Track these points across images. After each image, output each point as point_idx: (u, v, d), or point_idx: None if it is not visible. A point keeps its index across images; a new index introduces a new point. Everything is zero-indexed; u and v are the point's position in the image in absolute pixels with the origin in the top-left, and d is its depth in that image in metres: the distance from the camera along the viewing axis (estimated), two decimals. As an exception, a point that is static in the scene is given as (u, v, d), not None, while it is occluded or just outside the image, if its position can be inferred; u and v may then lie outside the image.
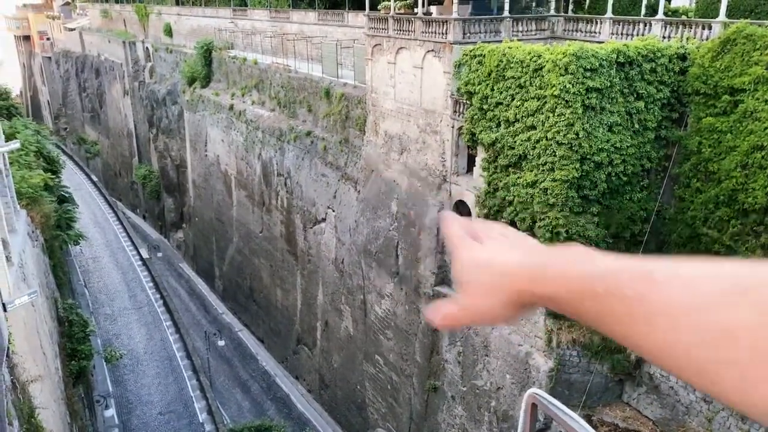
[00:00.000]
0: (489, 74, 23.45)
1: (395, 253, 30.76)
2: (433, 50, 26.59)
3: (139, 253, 64.12)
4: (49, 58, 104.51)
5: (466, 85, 24.67)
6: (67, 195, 38.90)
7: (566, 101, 20.72)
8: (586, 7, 31.96)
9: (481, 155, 24.92)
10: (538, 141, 21.82)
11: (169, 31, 67.87)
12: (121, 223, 72.01)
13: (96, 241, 66.21)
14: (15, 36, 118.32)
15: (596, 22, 26.35)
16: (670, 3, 29.58)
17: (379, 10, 32.70)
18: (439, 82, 26.61)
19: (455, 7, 25.79)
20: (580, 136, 20.83)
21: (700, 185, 21.96)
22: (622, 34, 25.00)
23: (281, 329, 46.96)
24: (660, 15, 24.47)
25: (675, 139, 22.84)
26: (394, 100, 29.80)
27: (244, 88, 48.06)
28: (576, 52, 20.50)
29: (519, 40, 25.27)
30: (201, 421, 40.55)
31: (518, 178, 22.82)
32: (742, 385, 0.87)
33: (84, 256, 63.79)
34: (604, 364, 22.40)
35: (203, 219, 59.33)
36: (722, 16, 22.19)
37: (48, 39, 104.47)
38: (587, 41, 24.54)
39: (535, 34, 27.35)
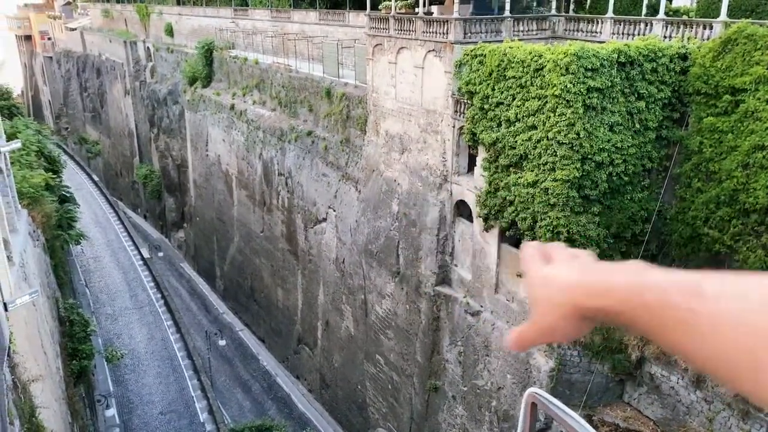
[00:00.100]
0: (490, 74, 23.44)
1: (396, 253, 30.77)
2: (434, 50, 26.59)
3: (140, 253, 64.18)
4: (51, 57, 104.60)
5: (467, 85, 24.66)
6: (68, 195, 38.92)
7: (567, 101, 20.70)
8: (587, 6, 31.95)
9: (481, 155, 24.91)
10: (539, 141, 21.81)
11: (170, 31, 67.91)
12: (122, 223, 72.08)
13: (97, 241, 66.27)
14: (16, 36, 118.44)
15: (597, 22, 26.34)
16: (671, 3, 29.56)
17: (380, 10, 32.68)
18: (440, 81, 26.61)
19: (456, 6, 25.79)
20: (581, 135, 20.81)
21: (701, 185, 21.94)
22: (623, 33, 24.99)
23: (282, 329, 46.98)
24: (661, 15, 24.45)
25: (676, 139, 22.82)
26: (395, 99, 29.80)
27: (245, 87, 48.08)
28: (577, 51, 20.49)
29: (520, 39, 25.26)
30: (202, 420, 40.59)
31: (519, 177, 22.81)
32: None
33: (85, 256, 63.87)
34: (604, 364, 22.39)
35: (204, 219, 59.36)
36: (723, 15, 22.17)
37: (49, 39, 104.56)
38: (588, 41, 24.51)
39: (536, 34, 27.34)
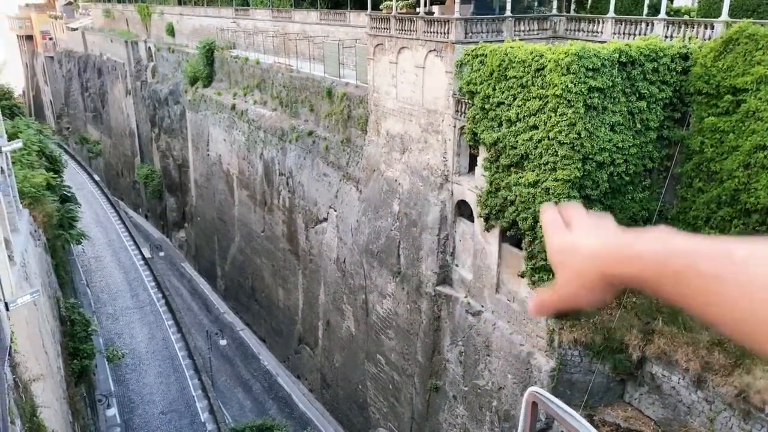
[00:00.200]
0: (491, 74, 23.43)
1: (397, 253, 30.76)
2: (435, 50, 26.58)
3: (141, 253, 64.25)
4: (52, 57, 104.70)
5: (467, 85, 24.65)
6: (69, 194, 39.01)
7: (568, 101, 20.69)
8: (588, 6, 31.93)
9: (482, 155, 24.90)
10: (539, 141, 21.80)
11: (171, 31, 67.95)
12: (123, 223, 72.17)
13: (98, 241, 66.33)
14: (18, 36, 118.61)
15: (598, 22, 26.32)
16: (672, 2, 29.53)
17: (381, 10, 32.69)
18: (441, 81, 26.60)
19: (457, 6, 25.78)
20: (582, 135, 20.80)
21: (702, 185, 21.92)
22: (624, 33, 24.97)
23: (283, 329, 46.99)
24: (662, 14, 24.43)
25: (677, 139, 22.81)
26: (396, 99, 29.80)
27: (246, 87, 48.10)
28: (578, 51, 20.47)
29: (521, 39, 25.25)
30: (203, 420, 40.62)
31: (520, 177, 22.80)
32: None
33: (86, 256, 63.95)
34: (605, 364, 22.37)
35: (205, 218, 59.39)
36: (724, 15, 22.16)
37: (50, 39, 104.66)
38: (589, 41, 24.50)
39: (537, 34, 27.32)
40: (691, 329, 21.12)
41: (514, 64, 22.50)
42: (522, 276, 23.70)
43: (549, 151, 21.49)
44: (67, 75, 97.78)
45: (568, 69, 20.52)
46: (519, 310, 24.53)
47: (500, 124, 23.44)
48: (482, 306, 26.59)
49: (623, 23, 25.28)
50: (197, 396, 42.82)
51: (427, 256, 28.74)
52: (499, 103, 23.32)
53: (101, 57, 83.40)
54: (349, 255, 35.50)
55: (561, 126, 20.92)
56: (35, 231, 23.99)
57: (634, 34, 24.48)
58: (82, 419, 24.90)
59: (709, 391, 20.07)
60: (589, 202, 21.90)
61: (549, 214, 1.49)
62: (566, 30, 27.68)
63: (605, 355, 22.23)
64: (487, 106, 23.88)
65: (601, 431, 21.93)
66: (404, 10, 30.85)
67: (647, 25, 24.50)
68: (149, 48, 70.72)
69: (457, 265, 28.23)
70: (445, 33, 25.95)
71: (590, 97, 20.81)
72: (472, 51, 24.53)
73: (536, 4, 30.67)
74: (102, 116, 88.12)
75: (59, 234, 31.20)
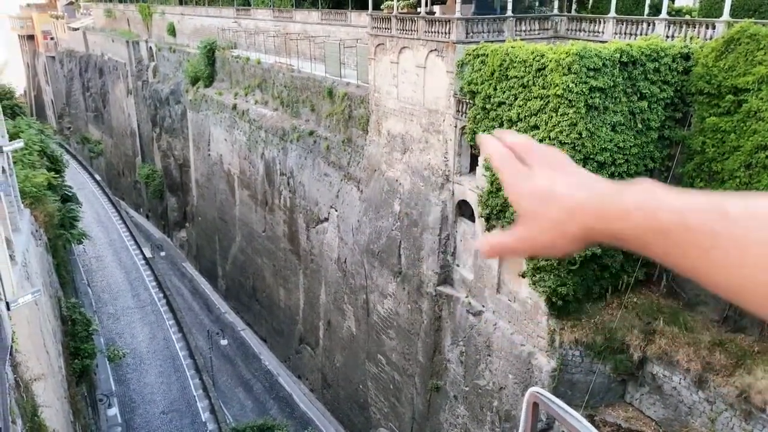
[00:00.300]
0: (492, 74, 23.43)
1: (398, 253, 30.76)
2: (436, 50, 26.58)
3: (142, 252, 64.27)
4: (53, 57, 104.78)
5: (468, 85, 24.65)
6: (70, 194, 39.02)
7: (569, 101, 20.68)
8: (590, 6, 31.90)
9: (483, 155, 24.86)
10: (541, 141, 21.70)
11: (172, 31, 67.98)
12: (125, 223, 72.21)
13: (99, 240, 66.36)
14: (19, 35, 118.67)
15: (599, 22, 26.30)
16: (673, 2, 29.49)
17: (382, 10, 32.68)
18: (442, 81, 26.60)
19: (458, 6, 25.78)
20: (583, 135, 20.79)
21: (703, 185, 21.89)
22: (625, 33, 24.95)
23: (284, 329, 47.01)
24: (663, 14, 24.41)
25: (678, 139, 22.79)
26: (397, 99, 29.80)
27: (247, 87, 48.11)
28: (579, 51, 20.46)
29: (522, 39, 25.24)
30: (204, 420, 40.64)
31: (521, 177, 22.77)
32: None
33: (87, 255, 63.99)
34: (606, 364, 22.36)
35: (206, 218, 59.42)
36: (726, 15, 22.14)
37: (52, 38, 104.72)
38: (590, 41, 24.49)
39: (538, 34, 27.31)
40: (692, 329, 21.11)
41: (515, 64, 22.49)
42: (523, 276, 23.70)
43: (550, 151, 21.47)
44: (68, 75, 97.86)
45: (569, 69, 20.51)
46: (520, 311, 24.52)
47: (501, 124, 23.43)
48: (483, 306, 26.59)
49: (624, 23, 25.27)
50: (198, 396, 42.84)
51: (428, 256, 28.74)
52: (500, 103, 23.31)
53: (102, 57, 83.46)
54: (350, 255, 35.50)
55: (562, 126, 20.91)
56: (36, 231, 24.01)
57: (636, 34, 24.46)
58: (83, 419, 24.93)
59: (710, 392, 20.06)
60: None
61: (494, 146, 1.35)
62: (567, 30, 27.66)
63: (606, 356, 22.22)
64: (488, 106, 23.87)
65: (602, 431, 21.92)
66: (405, 10, 30.84)
67: (648, 25, 24.49)
68: (150, 48, 70.76)
69: (458, 265, 28.22)
70: (446, 33, 25.94)
71: (591, 97, 20.80)
72: (473, 51, 24.53)
73: (537, 4, 30.65)
74: (103, 116, 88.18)
75: (60, 234, 31.23)
